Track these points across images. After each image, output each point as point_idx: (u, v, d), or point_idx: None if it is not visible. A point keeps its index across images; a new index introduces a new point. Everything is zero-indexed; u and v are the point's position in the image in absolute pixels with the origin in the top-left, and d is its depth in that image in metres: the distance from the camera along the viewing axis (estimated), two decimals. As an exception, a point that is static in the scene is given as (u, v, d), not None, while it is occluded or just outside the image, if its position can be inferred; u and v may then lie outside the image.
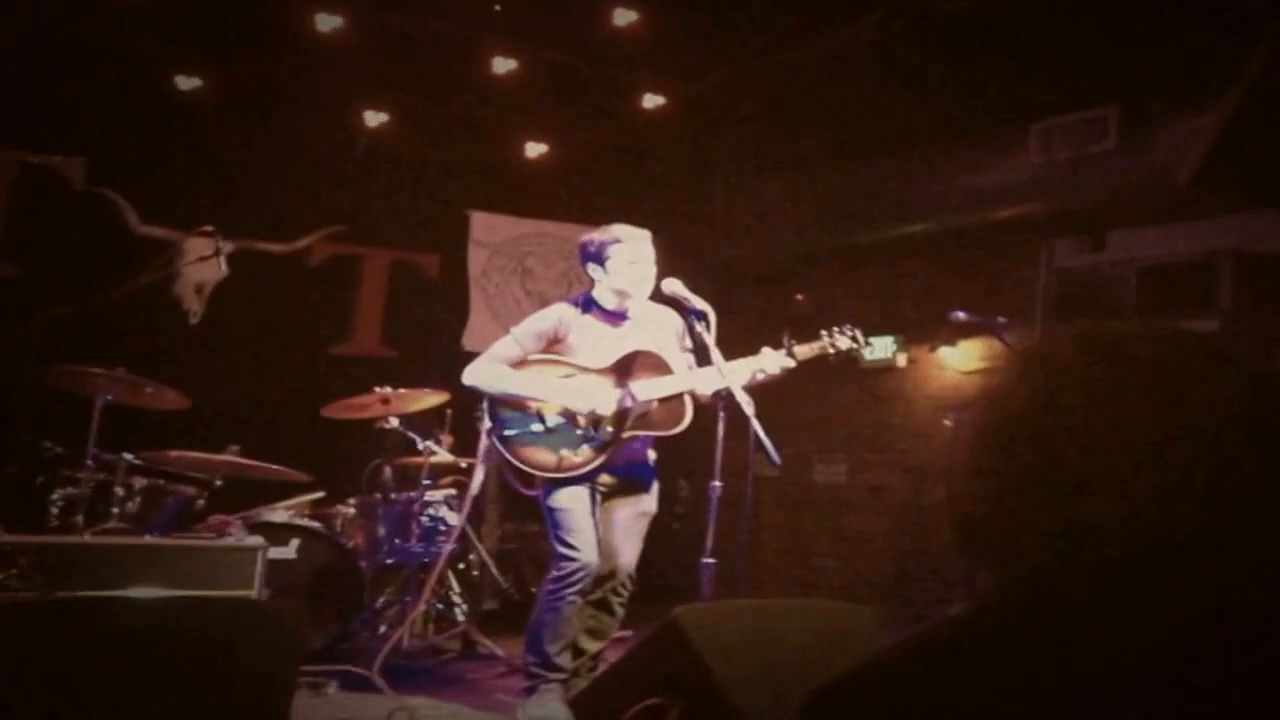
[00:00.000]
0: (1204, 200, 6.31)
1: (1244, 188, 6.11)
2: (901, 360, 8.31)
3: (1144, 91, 6.33)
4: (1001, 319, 6.02)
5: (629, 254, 4.90)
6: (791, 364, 4.83)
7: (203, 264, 6.18)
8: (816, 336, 4.97)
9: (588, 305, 5.03)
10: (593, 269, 4.96)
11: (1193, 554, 1.05)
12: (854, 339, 5.01)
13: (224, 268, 5.88)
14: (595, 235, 4.97)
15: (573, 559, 4.75)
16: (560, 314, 5.05)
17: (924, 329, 7.75)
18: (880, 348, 8.28)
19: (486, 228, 8.74)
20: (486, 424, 4.96)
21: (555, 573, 4.80)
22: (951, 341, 7.67)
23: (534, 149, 8.57)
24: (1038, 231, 7.45)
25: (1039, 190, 6.88)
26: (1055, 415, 1.11)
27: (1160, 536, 1.05)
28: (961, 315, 5.86)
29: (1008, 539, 1.13)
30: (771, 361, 4.79)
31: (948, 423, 6.34)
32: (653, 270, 4.92)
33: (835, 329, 5.00)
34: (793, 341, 4.88)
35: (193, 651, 2.77)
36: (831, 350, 4.98)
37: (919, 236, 7.69)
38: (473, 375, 4.94)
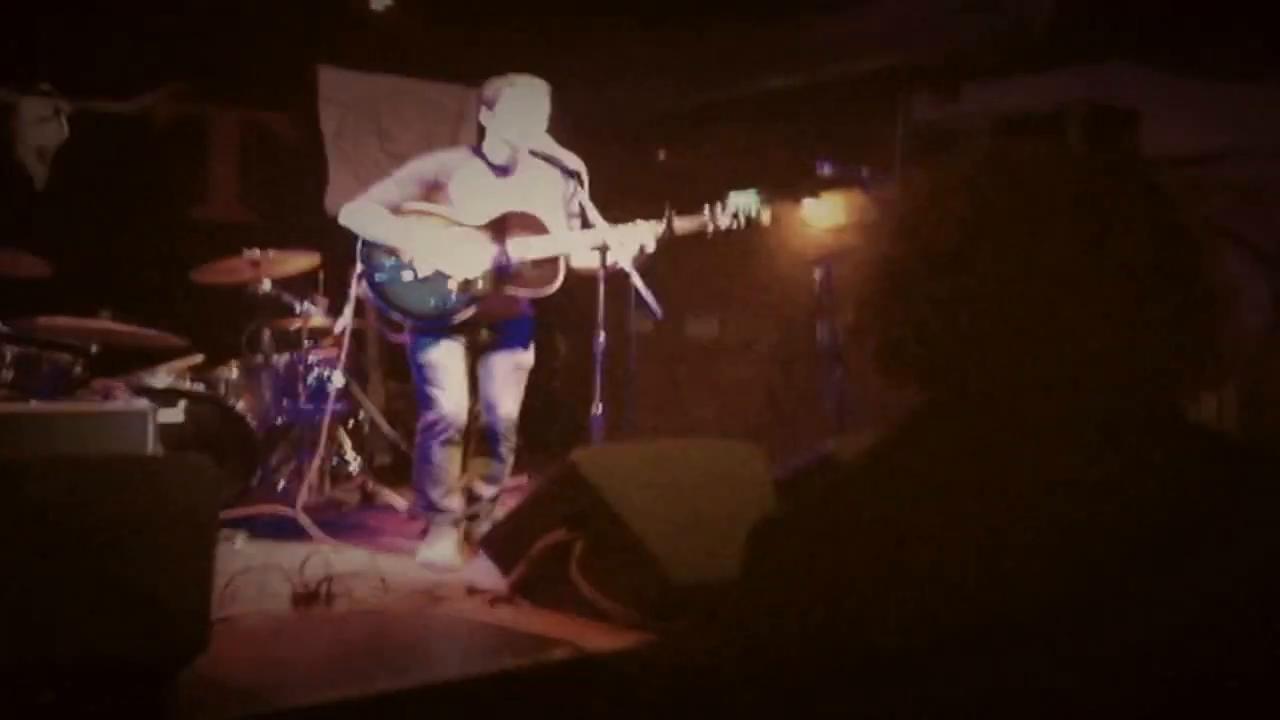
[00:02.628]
0: (1057, 50, 6.53)
1: (1096, 37, 6.34)
2: (766, 216, 8.48)
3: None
4: (865, 170, 6.21)
5: (519, 100, 4.89)
6: (669, 235, 4.86)
7: (42, 126, 6.01)
8: (698, 209, 4.94)
9: (476, 154, 5.07)
10: (484, 115, 4.97)
11: (1117, 366, 1.17)
12: (735, 217, 4.94)
13: (65, 129, 5.72)
14: (493, 79, 4.96)
15: (436, 410, 4.90)
16: (444, 159, 5.09)
17: (787, 183, 7.90)
18: (745, 202, 8.41)
19: (337, 85, 8.45)
20: (359, 267, 5.01)
21: (421, 423, 4.98)
22: (815, 194, 7.85)
23: (380, 1, 8.22)
24: (896, 83, 7.63)
25: (896, 41, 7.03)
26: (976, 239, 1.20)
27: (1087, 352, 1.16)
28: (827, 168, 6.03)
29: (936, 355, 1.23)
30: (650, 234, 4.82)
31: (817, 274, 6.55)
32: (543, 123, 4.92)
33: (718, 206, 4.94)
34: (671, 212, 4.90)
35: (110, 510, 2.81)
36: (711, 228, 4.93)
37: (780, 91, 7.81)
38: (348, 216, 5.00)
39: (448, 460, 4.96)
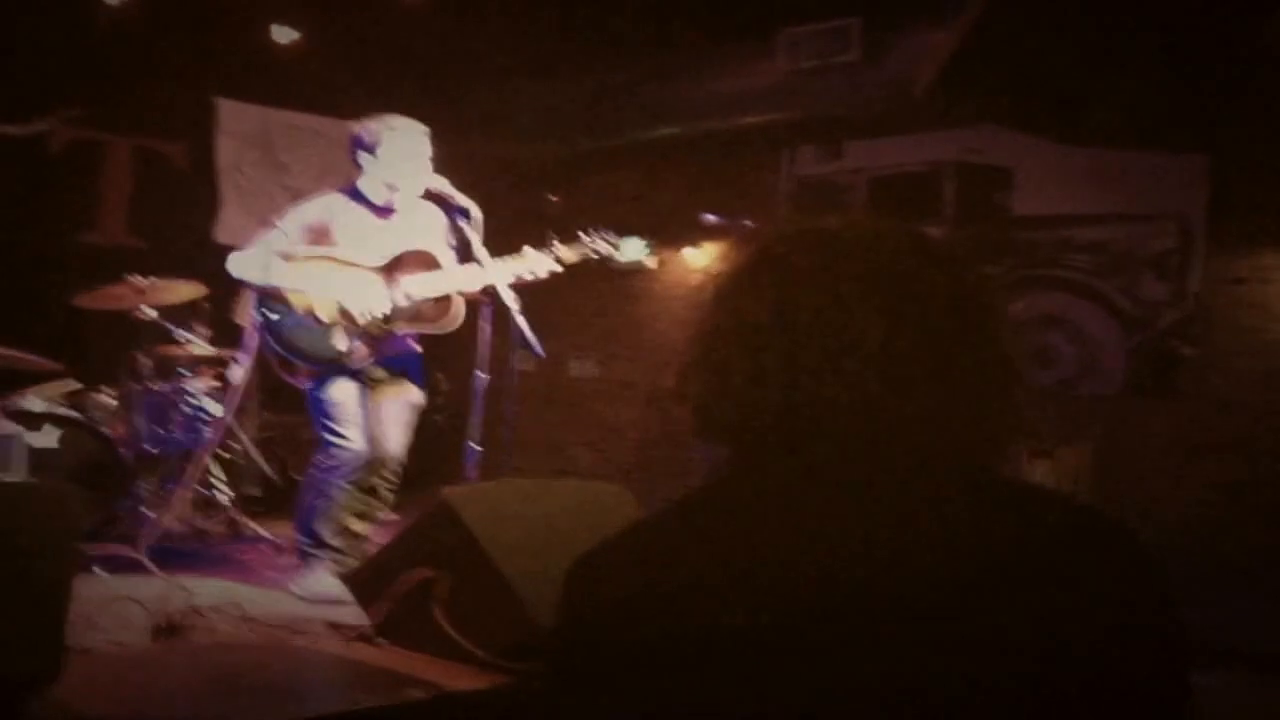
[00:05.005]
0: (937, 113, 6.73)
1: (975, 103, 6.54)
2: (652, 261, 8.61)
3: (886, 4, 6.63)
4: (748, 222, 6.35)
5: (403, 145, 4.94)
6: (557, 267, 4.97)
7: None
8: (577, 239, 5.07)
9: (355, 196, 5.09)
10: (363, 157, 4.99)
11: (917, 433, 1.24)
12: (613, 245, 5.11)
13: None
14: (369, 122, 4.99)
15: (344, 447, 4.93)
16: (326, 204, 5.10)
17: (674, 231, 8.03)
18: (632, 249, 8.53)
19: (236, 117, 8.43)
20: (254, 317, 5.03)
21: (325, 461, 4.97)
22: (696, 243, 8.00)
23: (284, 34, 8.23)
24: (782, 139, 7.79)
25: (784, 99, 7.19)
26: (786, 316, 1.26)
27: (889, 422, 1.23)
28: (712, 218, 6.17)
29: (745, 421, 1.28)
30: (537, 263, 4.92)
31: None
32: (428, 166, 4.98)
33: (594, 232, 5.10)
34: (556, 243, 5.02)
35: None
36: (594, 255, 5.08)
37: (670, 140, 7.93)
38: (239, 266, 4.98)
39: (340, 496, 4.99)
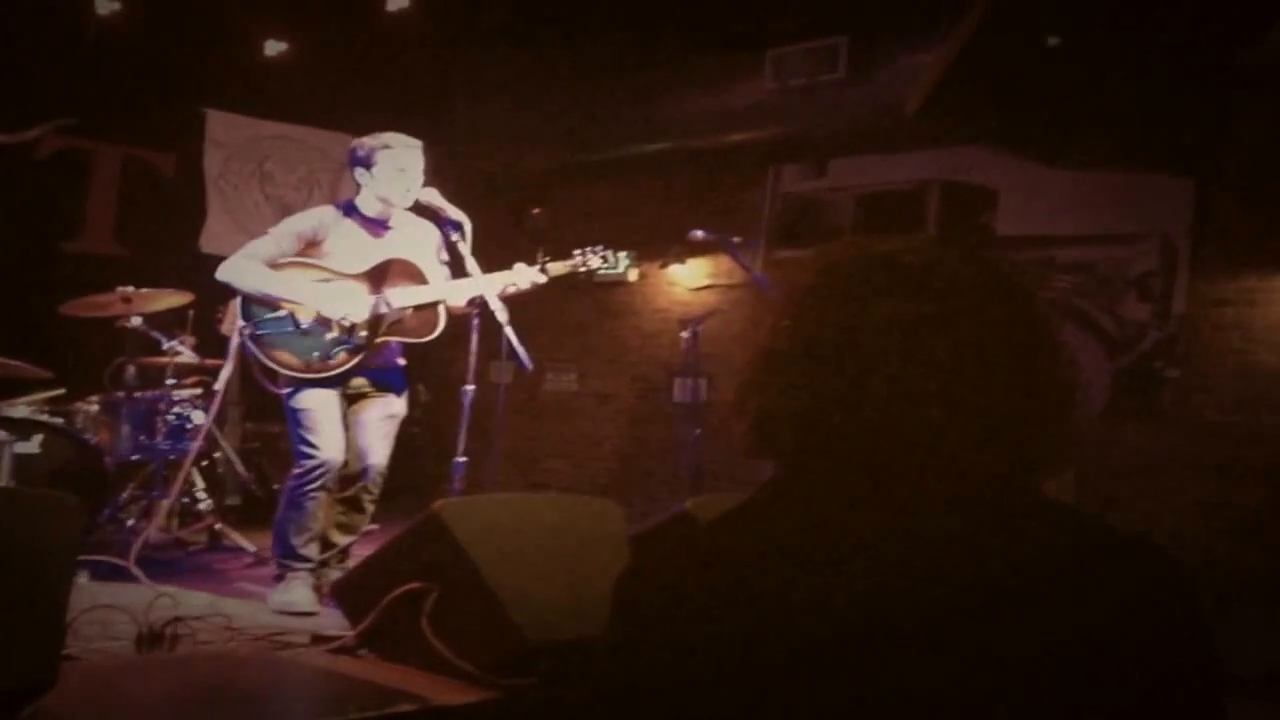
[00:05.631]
0: (922, 132, 6.77)
1: (963, 122, 6.59)
2: (633, 275, 8.63)
3: (873, 24, 6.69)
4: (737, 239, 6.37)
5: (397, 161, 4.98)
6: (543, 279, 5.01)
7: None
8: (569, 255, 5.13)
9: (349, 210, 5.13)
10: (359, 173, 5.04)
11: (975, 457, 1.27)
12: (604, 259, 5.19)
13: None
14: (366, 140, 5.04)
15: (313, 457, 4.92)
16: (321, 216, 5.14)
17: (656, 246, 8.05)
18: (613, 263, 8.56)
19: (224, 127, 8.47)
20: (239, 322, 5.03)
21: (297, 470, 4.97)
22: (682, 259, 8.01)
23: (274, 47, 8.31)
24: (768, 156, 7.83)
25: (771, 116, 7.23)
26: (851, 338, 1.29)
27: (947, 447, 1.26)
28: (700, 234, 6.17)
29: (800, 443, 1.32)
30: (524, 276, 4.96)
31: (684, 335, 6.68)
32: (419, 181, 5.02)
33: (589, 249, 5.17)
34: (546, 258, 5.05)
35: None
36: (583, 269, 5.17)
37: (655, 156, 7.97)
38: (227, 272, 5.00)
39: (317, 508, 4.97)
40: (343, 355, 4.95)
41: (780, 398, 1.33)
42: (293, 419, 5.00)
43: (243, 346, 5.08)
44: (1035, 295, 1.38)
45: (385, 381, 5.14)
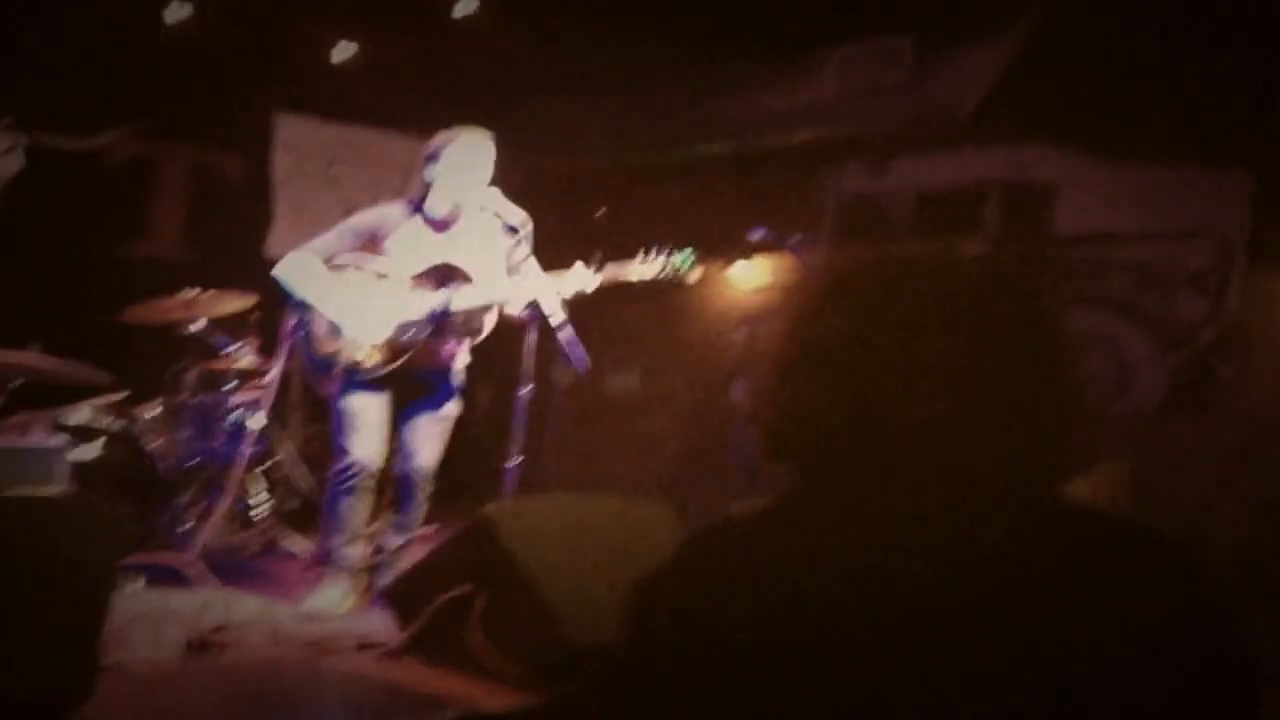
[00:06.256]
0: (984, 130, 6.68)
1: (1023, 121, 6.49)
2: (694, 275, 8.56)
3: (936, 23, 6.61)
4: (798, 238, 6.31)
5: (465, 154, 4.93)
6: (598, 281, 4.92)
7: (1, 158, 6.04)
8: (630, 256, 5.02)
9: (415, 208, 5.10)
10: (428, 170, 5.00)
11: (984, 460, 1.27)
12: (664, 265, 5.01)
13: (22, 161, 5.76)
14: (437, 135, 5.00)
15: (346, 456, 4.94)
16: (385, 214, 5.12)
17: (717, 245, 7.99)
18: (673, 266, 8.51)
19: (294, 132, 8.54)
20: (292, 318, 5.06)
21: (332, 469, 4.99)
22: (744, 258, 7.96)
23: (342, 50, 8.37)
24: (829, 156, 7.76)
25: (833, 116, 7.17)
26: (858, 340, 1.29)
27: (957, 449, 1.26)
28: (761, 233, 6.12)
29: (811, 446, 1.32)
30: (584, 278, 4.89)
31: (741, 334, 6.64)
32: (488, 174, 4.96)
33: (649, 253, 5.03)
34: (605, 260, 4.98)
35: (11, 550, 2.81)
36: (642, 275, 5.00)
37: (717, 155, 7.93)
38: (284, 269, 5.03)
39: (352, 509, 4.97)
40: (389, 354, 4.93)
41: (792, 405, 1.34)
42: (335, 419, 5.04)
43: (294, 348, 5.11)
44: (1041, 293, 1.38)
45: (437, 382, 5.14)
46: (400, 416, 5.08)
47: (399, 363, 4.94)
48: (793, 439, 1.34)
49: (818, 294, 1.38)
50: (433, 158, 4.98)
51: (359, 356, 4.93)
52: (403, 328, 4.94)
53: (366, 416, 4.96)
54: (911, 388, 1.26)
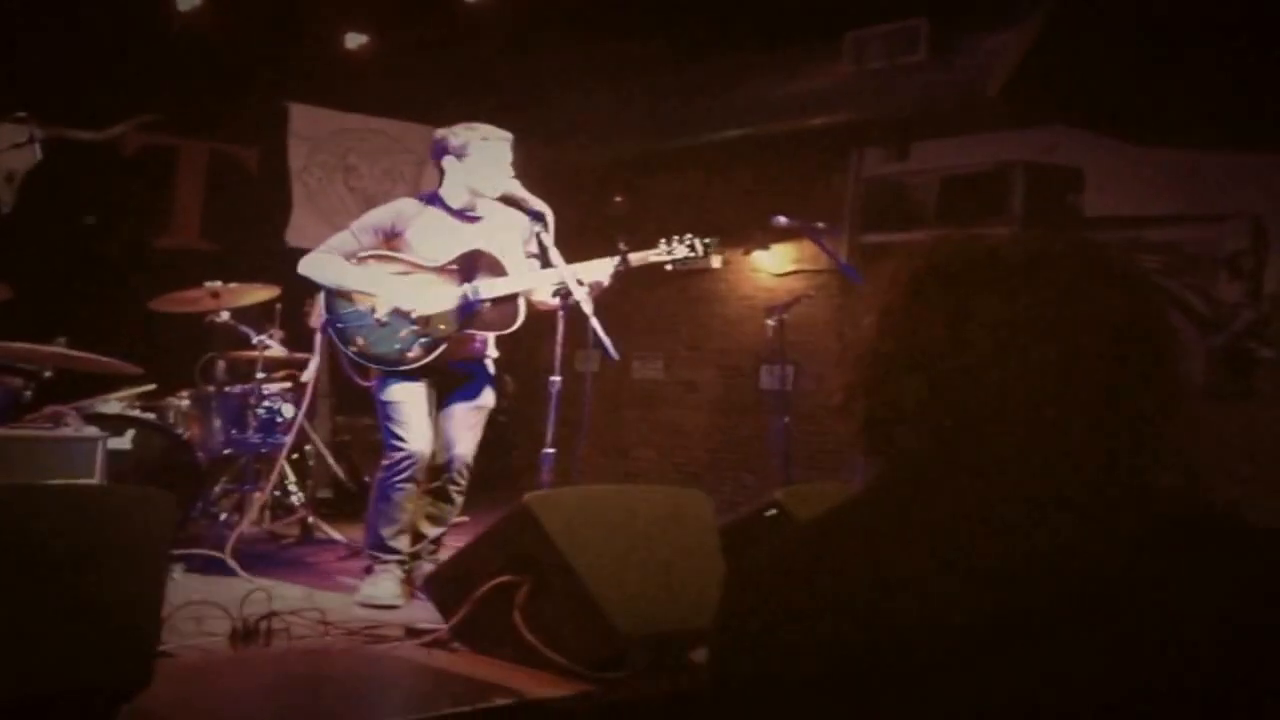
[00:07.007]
0: (1006, 113, 6.67)
1: (1047, 102, 6.47)
2: (717, 262, 8.59)
3: (953, 4, 6.60)
4: (820, 224, 6.32)
5: (492, 153, 4.98)
6: (623, 268, 4.95)
7: (15, 151, 6.05)
8: (652, 243, 5.09)
9: (432, 201, 5.13)
10: (448, 163, 5.03)
11: (1082, 458, 1.25)
12: (690, 248, 5.09)
13: (39, 154, 5.77)
14: (458, 129, 5.03)
15: (401, 449, 4.95)
16: (400, 209, 5.15)
17: (739, 232, 8.02)
18: (697, 251, 8.52)
19: (307, 121, 8.55)
20: (322, 316, 5.08)
21: (386, 462, 5.02)
22: (766, 245, 7.97)
23: (355, 39, 8.35)
24: (849, 140, 7.76)
25: (851, 100, 7.16)
26: (959, 335, 1.28)
27: (1055, 447, 1.24)
28: (783, 220, 6.13)
29: (914, 439, 1.31)
30: (607, 267, 4.93)
31: (770, 322, 6.64)
32: (510, 173, 5.02)
33: (673, 238, 5.10)
34: (628, 248, 5.01)
35: (63, 540, 2.80)
36: (668, 259, 5.10)
37: (736, 141, 7.92)
38: (308, 266, 5.06)
39: (405, 500, 5.00)
40: (422, 347, 4.96)
41: (890, 400, 1.32)
42: (381, 412, 5.05)
43: (329, 340, 5.13)
44: (1150, 281, 1.35)
45: (471, 373, 5.16)
46: (438, 407, 5.10)
47: (436, 353, 4.95)
48: (891, 436, 1.33)
49: (909, 284, 1.36)
50: (457, 152, 5.00)
51: (401, 345, 4.95)
52: (436, 318, 4.96)
53: (413, 407, 4.98)
54: (1012, 383, 1.25)
